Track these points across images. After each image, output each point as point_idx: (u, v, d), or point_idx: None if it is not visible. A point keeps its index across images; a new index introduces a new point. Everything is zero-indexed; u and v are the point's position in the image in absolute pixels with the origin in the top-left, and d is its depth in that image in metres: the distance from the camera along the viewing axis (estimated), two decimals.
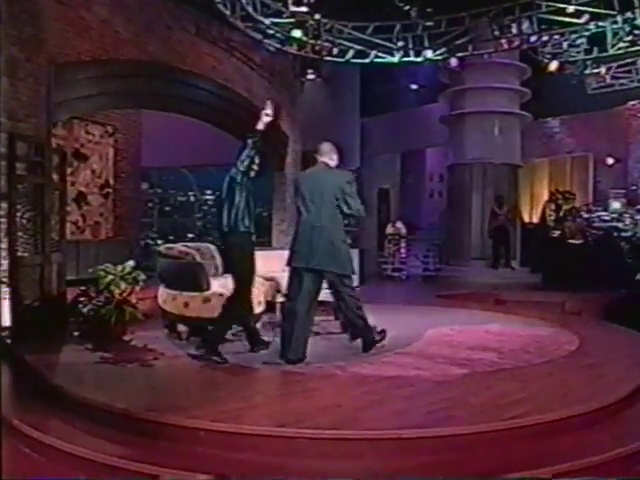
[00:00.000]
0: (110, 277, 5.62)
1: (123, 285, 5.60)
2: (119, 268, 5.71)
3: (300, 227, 4.84)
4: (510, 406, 3.67)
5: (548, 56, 9.70)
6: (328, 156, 5.05)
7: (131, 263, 5.81)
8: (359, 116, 11.91)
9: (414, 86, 17.43)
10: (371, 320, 5.21)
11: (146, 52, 7.76)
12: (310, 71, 10.85)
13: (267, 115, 4.82)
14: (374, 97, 16.11)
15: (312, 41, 9.73)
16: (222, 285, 6.02)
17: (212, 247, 7.72)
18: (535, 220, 14.61)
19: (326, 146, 5.08)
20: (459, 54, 10.38)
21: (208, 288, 5.68)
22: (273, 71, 10.64)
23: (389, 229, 15.98)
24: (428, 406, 3.68)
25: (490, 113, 12.97)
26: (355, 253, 11.89)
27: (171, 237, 14.57)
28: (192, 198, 15.19)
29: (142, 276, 5.86)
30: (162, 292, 5.95)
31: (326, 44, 9.88)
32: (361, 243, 12.64)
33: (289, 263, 4.86)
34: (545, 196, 14.60)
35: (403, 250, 16.07)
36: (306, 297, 4.74)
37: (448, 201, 14.27)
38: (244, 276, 4.83)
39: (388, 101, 16.52)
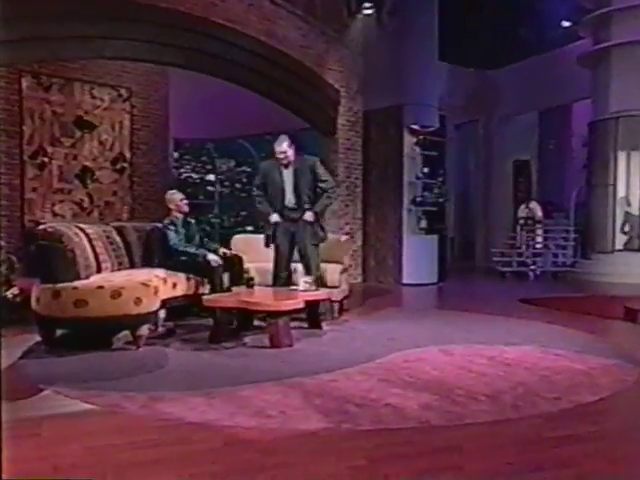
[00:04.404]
0: None
1: None
2: None
3: None
4: None
5: None
6: None
7: None
8: (437, 61, 9.94)
9: (566, 23, 14.73)
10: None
11: None
12: (367, 5, 9.27)
13: None
14: (509, 43, 13.87)
15: None
16: (109, 278, 5.04)
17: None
18: None
19: None
20: None
21: (69, 280, 4.70)
22: (314, 7, 9.24)
23: (521, 211, 13.89)
24: None
25: None
26: (432, 240, 10.20)
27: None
28: None
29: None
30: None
31: None
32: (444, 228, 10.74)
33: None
34: None
35: (539, 239, 13.73)
36: None
37: (587, 172, 11.64)
38: None
39: (528, 46, 14.17)
